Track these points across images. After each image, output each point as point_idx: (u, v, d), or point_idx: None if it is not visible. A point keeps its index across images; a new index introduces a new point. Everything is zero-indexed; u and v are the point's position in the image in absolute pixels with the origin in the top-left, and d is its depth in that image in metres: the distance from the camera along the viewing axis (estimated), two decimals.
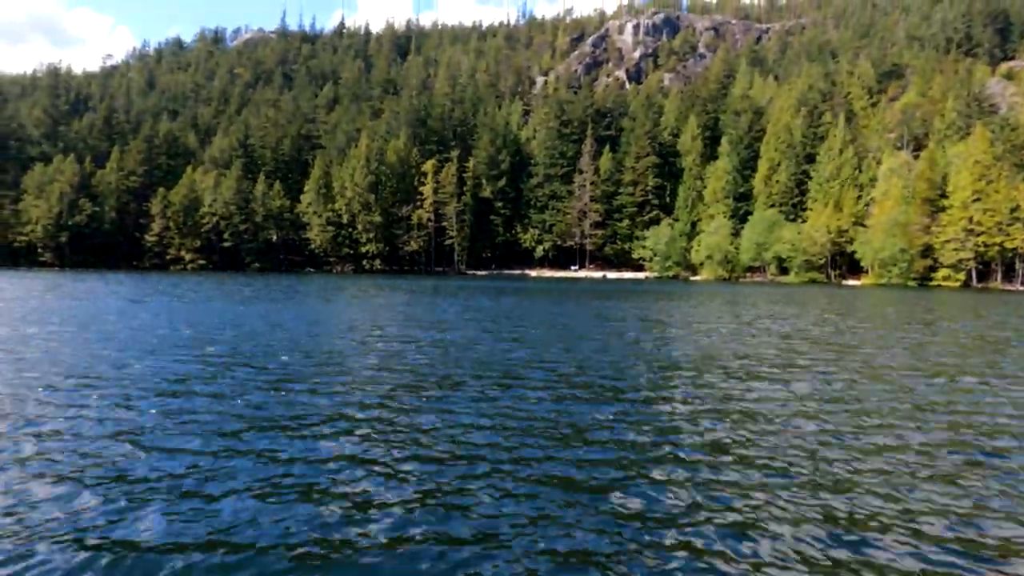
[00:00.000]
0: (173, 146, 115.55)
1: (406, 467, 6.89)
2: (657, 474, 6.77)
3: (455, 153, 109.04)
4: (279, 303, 30.73)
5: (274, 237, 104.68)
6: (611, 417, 9.07)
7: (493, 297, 39.09)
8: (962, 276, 78.67)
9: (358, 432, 8.16)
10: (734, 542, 5.26)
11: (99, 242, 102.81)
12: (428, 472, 6.74)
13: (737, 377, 12.30)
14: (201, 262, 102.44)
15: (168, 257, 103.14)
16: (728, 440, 8.01)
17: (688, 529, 5.48)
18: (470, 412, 9.20)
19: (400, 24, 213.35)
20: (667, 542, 5.25)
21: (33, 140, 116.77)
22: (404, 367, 13.01)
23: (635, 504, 5.99)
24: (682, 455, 7.41)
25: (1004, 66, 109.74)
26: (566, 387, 11.12)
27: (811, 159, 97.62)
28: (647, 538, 5.31)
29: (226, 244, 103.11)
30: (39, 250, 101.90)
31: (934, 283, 79.35)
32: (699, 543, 5.24)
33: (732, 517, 5.73)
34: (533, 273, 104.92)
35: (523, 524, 5.54)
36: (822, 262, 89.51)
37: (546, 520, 5.62)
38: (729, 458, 7.32)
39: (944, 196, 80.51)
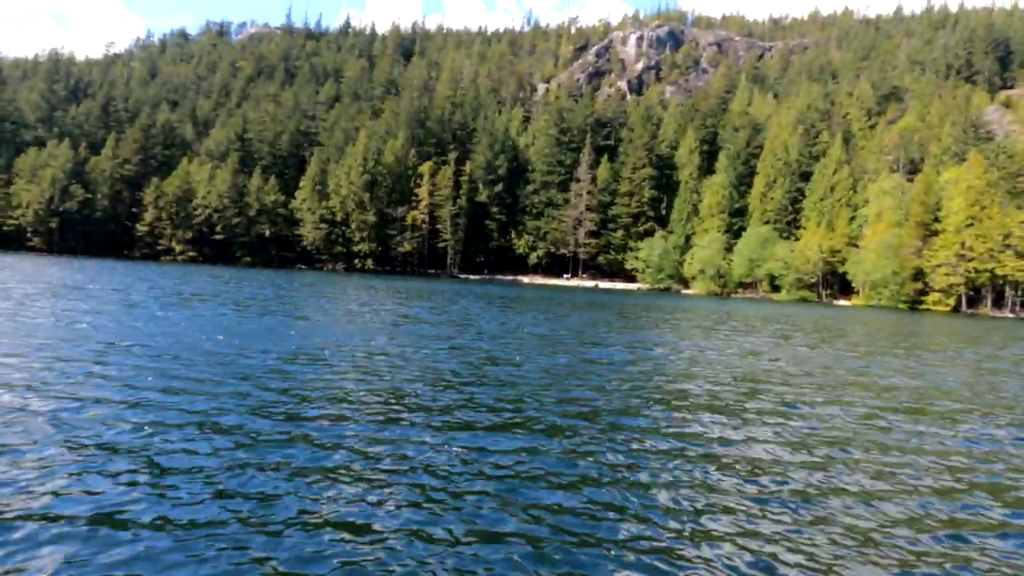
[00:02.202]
0: (170, 136, 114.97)
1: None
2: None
3: (453, 156, 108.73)
4: (213, 298, 28.35)
5: (267, 232, 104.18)
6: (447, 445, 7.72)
7: (470, 302, 38.71)
8: (952, 301, 78.69)
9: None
10: None
11: (90, 229, 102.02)
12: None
13: (669, 410, 11.93)
14: (192, 254, 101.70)
15: (159, 247, 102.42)
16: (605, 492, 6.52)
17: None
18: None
19: (406, 26, 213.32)
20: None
21: (28, 124, 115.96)
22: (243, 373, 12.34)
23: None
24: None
25: (1003, 94, 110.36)
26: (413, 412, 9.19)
27: (807, 177, 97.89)
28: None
29: (218, 237, 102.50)
30: (28, 235, 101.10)
31: (924, 307, 79.33)
32: None
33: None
34: (526, 279, 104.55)
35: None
36: (814, 281, 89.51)
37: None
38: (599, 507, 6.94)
39: (937, 220, 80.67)
